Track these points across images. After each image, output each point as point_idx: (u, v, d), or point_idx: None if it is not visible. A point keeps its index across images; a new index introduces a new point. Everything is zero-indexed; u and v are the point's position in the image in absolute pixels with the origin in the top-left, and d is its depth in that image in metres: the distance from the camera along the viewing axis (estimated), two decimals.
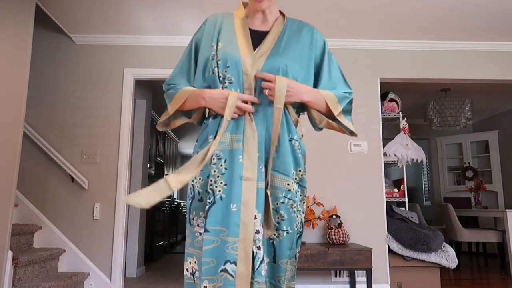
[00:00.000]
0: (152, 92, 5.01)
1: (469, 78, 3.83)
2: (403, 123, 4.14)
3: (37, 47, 3.69)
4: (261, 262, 1.19)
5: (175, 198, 9.37)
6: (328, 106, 1.35)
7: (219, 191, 1.22)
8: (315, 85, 1.42)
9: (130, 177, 3.68)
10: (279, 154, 1.29)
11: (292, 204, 1.27)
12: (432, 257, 3.51)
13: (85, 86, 3.68)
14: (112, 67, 3.70)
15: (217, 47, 1.34)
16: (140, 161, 4.58)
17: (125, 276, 3.69)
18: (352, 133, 1.45)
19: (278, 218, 1.25)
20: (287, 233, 1.26)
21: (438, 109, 5.20)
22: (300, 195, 1.31)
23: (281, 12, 1.47)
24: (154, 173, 6.34)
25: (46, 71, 3.70)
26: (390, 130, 5.35)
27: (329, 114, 1.40)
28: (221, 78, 1.31)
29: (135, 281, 4.05)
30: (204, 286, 1.16)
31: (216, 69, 1.32)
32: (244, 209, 1.19)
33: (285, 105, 1.31)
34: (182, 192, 11.19)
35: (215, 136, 1.28)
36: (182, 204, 8.44)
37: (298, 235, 1.29)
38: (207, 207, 1.21)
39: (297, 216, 1.28)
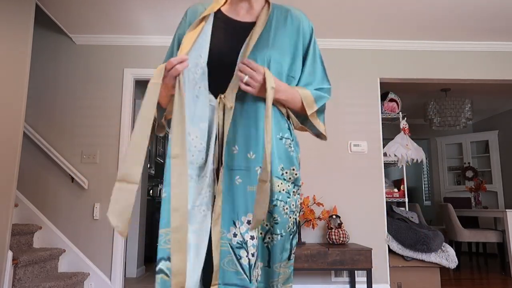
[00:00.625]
0: None
1: (469, 78, 3.83)
2: (403, 123, 4.14)
3: (37, 47, 3.69)
4: (253, 269, 1.10)
5: None
6: (303, 105, 1.27)
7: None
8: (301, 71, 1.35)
9: None
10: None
11: (283, 206, 1.19)
12: (432, 257, 3.51)
13: (85, 86, 3.68)
14: (112, 67, 3.70)
15: None
16: None
17: (125, 276, 3.68)
18: (319, 136, 1.36)
19: (272, 221, 1.17)
20: (281, 236, 1.18)
21: (438, 109, 5.20)
22: (294, 195, 1.23)
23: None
24: (154, 173, 6.34)
25: (46, 71, 3.70)
26: (390, 130, 5.35)
27: (302, 114, 1.31)
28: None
29: (135, 281, 4.05)
30: None
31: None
32: (175, 192, 1.04)
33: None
34: None
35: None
36: None
37: (291, 236, 1.22)
38: None
39: (290, 217, 1.20)
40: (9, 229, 2.59)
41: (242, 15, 1.32)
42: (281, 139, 1.23)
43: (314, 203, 3.53)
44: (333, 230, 3.39)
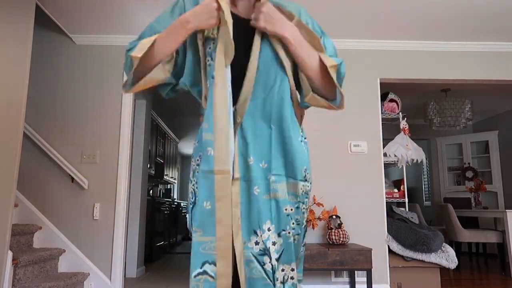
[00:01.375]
0: (152, 92, 5.01)
1: (469, 78, 3.83)
2: (403, 124, 4.14)
3: (37, 47, 3.69)
4: (276, 272, 1.14)
5: (175, 199, 9.37)
6: (321, 62, 1.22)
7: (197, 188, 1.16)
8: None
9: (130, 177, 3.68)
10: (293, 159, 1.19)
11: (303, 207, 1.21)
12: (432, 258, 3.51)
13: (85, 86, 3.68)
14: (112, 67, 3.70)
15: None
16: (140, 161, 4.58)
17: (125, 276, 3.69)
18: (339, 106, 1.28)
19: (293, 224, 1.17)
20: (299, 235, 1.20)
21: (438, 109, 5.20)
22: (308, 193, 1.26)
23: None
24: (154, 173, 6.34)
25: (46, 71, 3.70)
26: (390, 130, 5.35)
27: (315, 79, 1.23)
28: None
29: (135, 281, 4.05)
30: None
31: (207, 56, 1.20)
32: (219, 206, 1.11)
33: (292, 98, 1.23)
34: (182, 192, 11.19)
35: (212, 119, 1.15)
36: (182, 204, 8.44)
37: (305, 231, 1.27)
38: (191, 209, 1.17)
39: (305, 215, 1.24)
40: (9, 229, 2.59)
41: (243, 11, 1.25)
42: (301, 141, 1.23)
43: (314, 203, 3.53)
44: (333, 230, 3.39)
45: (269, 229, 1.14)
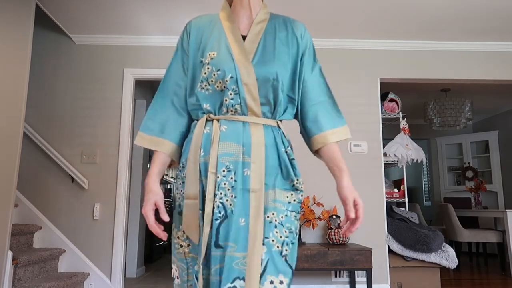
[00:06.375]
0: (152, 92, 5.01)
1: (469, 78, 3.83)
2: (403, 123, 4.14)
3: (37, 47, 3.69)
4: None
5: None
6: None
7: (230, 204, 1.14)
8: (299, 91, 1.30)
9: (130, 177, 3.68)
10: (279, 171, 1.21)
11: (295, 215, 1.21)
12: (432, 257, 3.51)
13: (85, 86, 3.68)
14: (112, 67, 3.70)
15: (209, 57, 1.22)
16: (140, 161, 4.58)
17: (125, 276, 3.69)
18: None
19: (285, 232, 1.18)
20: (292, 244, 1.19)
21: (438, 109, 5.20)
22: (300, 201, 1.25)
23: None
24: None
25: (46, 71, 3.70)
26: (390, 130, 5.36)
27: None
28: (218, 88, 1.21)
29: (135, 281, 4.05)
30: None
31: (211, 81, 1.21)
32: (253, 222, 1.13)
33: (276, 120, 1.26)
34: None
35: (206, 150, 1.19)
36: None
37: (297, 236, 1.24)
38: (217, 221, 1.13)
39: (297, 221, 1.23)
40: (9, 229, 2.59)
41: (243, 28, 1.28)
42: (285, 152, 1.23)
43: (314, 203, 3.53)
44: (333, 230, 3.39)
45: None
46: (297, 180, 1.21)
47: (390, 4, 3.12)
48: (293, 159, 1.23)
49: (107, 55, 3.72)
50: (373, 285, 3.41)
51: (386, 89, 4.29)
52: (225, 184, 1.15)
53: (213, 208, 1.14)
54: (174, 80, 1.31)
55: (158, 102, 1.30)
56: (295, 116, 1.33)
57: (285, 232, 1.17)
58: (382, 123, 3.85)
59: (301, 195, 1.24)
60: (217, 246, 1.11)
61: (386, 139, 4.13)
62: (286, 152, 1.22)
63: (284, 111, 1.28)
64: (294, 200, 1.21)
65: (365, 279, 3.36)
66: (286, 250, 1.16)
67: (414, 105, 6.17)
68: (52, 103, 3.64)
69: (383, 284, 3.48)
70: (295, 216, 1.21)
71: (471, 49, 3.84)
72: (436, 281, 3.54)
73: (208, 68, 1.21)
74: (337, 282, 3.50)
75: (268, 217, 1.16)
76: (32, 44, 2.83)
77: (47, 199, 3.50)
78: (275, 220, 1.16)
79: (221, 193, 1.15)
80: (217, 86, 1.20)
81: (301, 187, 1.22)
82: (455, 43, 3.81)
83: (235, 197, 1.14)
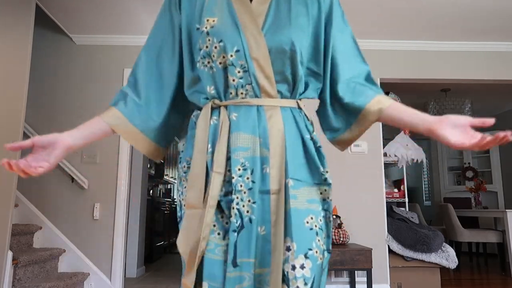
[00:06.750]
0: None
1: (469, 78, 3.83)
2: None
3: (37, 47, 3.69)
4: None
5: (175, 199, 9.35)
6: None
7: (247, 211, 0.92)
8: (325, 59, 1.05)
9: (130, 177, 3.68)
10: (305, 164, 0.99)
11: (329, 216, 0.99)
12: (432, 257, 3.51)
13: (85, 86, 3.68)
14: (112, 67, 3.70)
15: (208, 25, 0.97)
16: (140, 161, 4.58)
17: (125, 276, 3.68)
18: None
19: (324, 239, 0.97)
20: (328, 252, 0.98)
21: (438, 109, 5.20)
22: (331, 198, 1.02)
23: None
24: (154, 173, 6.34)
25: (46, 71, 3.70)
26: (390, 130, 5.35)
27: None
28: (220, 66, 0.96)
29: (135, 281, 4.05)
30: None
31: (213, 56, 0.97)
32: (274, 231, 0.92)
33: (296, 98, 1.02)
34: None
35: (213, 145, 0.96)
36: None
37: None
38: (234, 233, 0.91)
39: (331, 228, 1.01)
40: (9, 229, 2.59)
41: None
42: (311, 139, 1.01)
43: None
44: (333, 230, 3.39)
45: (288, 248, 0.91)
46: (327, 171, 1.00)
47: (390, 4, 3.12)
48: (319, 146, 1.01)
49: (107, 55, 3.72)
50: (373, 285, 3.41)
51: (387, 89, 4.28)
52: (241, 186, 0.93)
53: (229, 216, 0.93)
54: (160, 40, 1.07)
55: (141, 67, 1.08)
56: (321, 94, 1.08)
57: (324, 239, 0.96)
58: (382, 123, 3.85)
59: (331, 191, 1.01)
60: (235, 264, 0.90)
61: (386, 139, 4.13)
62: (312, 138, 1.00)
63: (306, 88, 1.04)
64: (328, 198, 0.99)
65: (365, 279, 3.36)
66: (320, 258, 0.94)
67: (414, 105, 6.16)
68: (52, 103, 3.64)
69: (383, 284, 3.48)
70: (329, 218, 0.99)
71: (471, 49, 3.84)
72: (436, 281, 3.54)
73: (208, 40, 0.96)
74: (337, 282, 3.50)
75: (307, 222, 0.93)
76: (32, 44, 2.83)
77: (47, 199, 3.50)
78: (315, 226, 0.94)
79: (237, 197, 0.92)
80: (220, 63, 0.96)
81: (330, 180, 1.00)
82: (455, 43, 3.81)
83: (253, 202, 0.92)
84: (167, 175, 7.69)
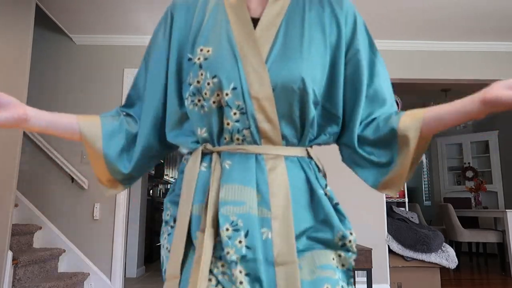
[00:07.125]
0: None
1: (469, 78, 3.83)
2: None
3: (38, 47, 3.69)
4: None
5: None
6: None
7: (240, 282, 0.71)
8: (344, 96, 0.85)
9: None
10: (317, 224, 0.81)
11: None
12: (432, 257, 3.51)
13: (85, 86, 3.68)
14: (112, 67, 3.70)
15: (201, 55, 0.80)
16: None
17: (125, 276, 3.69)
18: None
19: None
20: None
21: None
22: (351, 268, 0.83)
23: None
24: (154, 173, 6.34)
25: (46, 71, 3.70)
26: None
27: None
28: (214, 105, 0.79)
29: (135, 281, 4.05)
30: None
31: (205, 93, 0.79)
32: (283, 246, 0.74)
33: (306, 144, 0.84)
34: None
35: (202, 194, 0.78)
36: None
37: None
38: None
39: None
40: (9, 229, 2.59)
41: (254, 9, 0.84)
42: (325, 194, 0.82)
43: None
44: None
45: None
46: (350, 233, 0.84)
47: (390, 4, 3.12)
48: (337, 203, 0.83)
49: (107, 55, 3.72)
50: (373, 285, 3.40)
51: None
52: (228, 253, 0.72)
53: None
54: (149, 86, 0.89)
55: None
56: (342, 138, 0.88)
57: None
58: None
59: (353, 259, 0.83)
60: None
61: None
62: (326, 194, 0.82)
63: (319, 134, 0.85)
64: (344, 265, 0.82)
65: (365, 279, 3.36)
66: None
67: (414, 105, 6.16)
68: (52, 103, 3.64)
69: (383, 284, 3.48)
70: None
71: (471, 49, 3.84)
72: (436, 281, 3.54)
73: (201, 74, 0.79)
74: None
75: None
76: (32, 44, 2.83)
77: (47, 199, 3.50)
78: None
79: (222, 266, 0.74)
80: (213, 102, 0.78)
81: (354, 247, 0.83)
82: (455, 43, 3.81)
83: (247, 274, 0.72)
84: (167, 175, 7.70)
